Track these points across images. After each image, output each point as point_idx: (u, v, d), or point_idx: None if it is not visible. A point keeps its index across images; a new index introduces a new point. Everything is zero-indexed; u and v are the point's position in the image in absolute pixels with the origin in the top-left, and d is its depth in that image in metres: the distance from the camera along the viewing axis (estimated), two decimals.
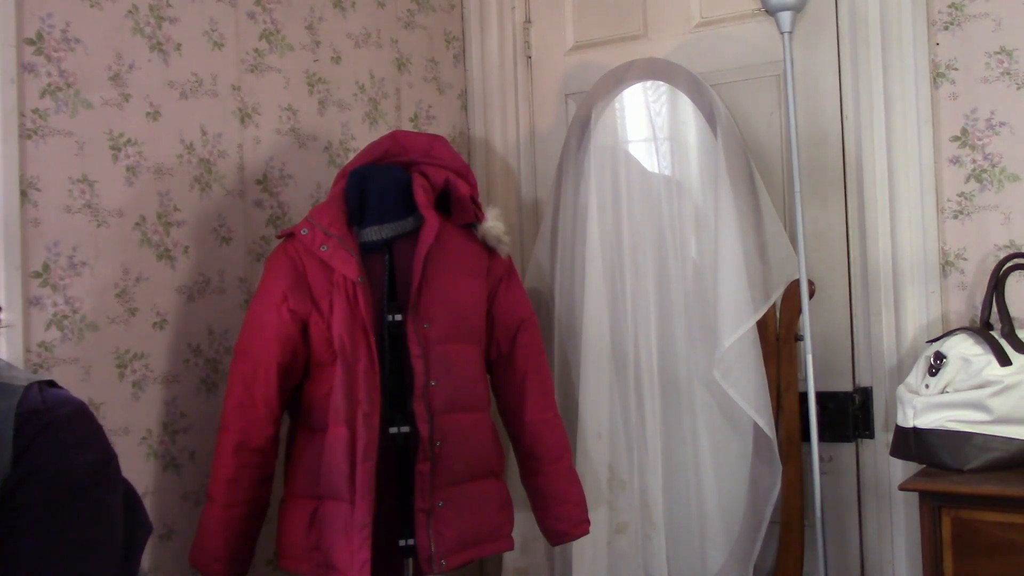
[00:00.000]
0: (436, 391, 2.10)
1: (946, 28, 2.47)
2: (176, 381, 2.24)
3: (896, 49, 2.50)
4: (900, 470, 2.42)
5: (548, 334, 2.65)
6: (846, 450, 2.60)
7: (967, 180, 2.46)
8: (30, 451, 1.04)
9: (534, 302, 2.51)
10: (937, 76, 2.49)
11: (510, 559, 2.68)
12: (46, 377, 1.13)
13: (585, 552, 2.53)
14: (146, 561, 1.97)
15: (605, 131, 2.68)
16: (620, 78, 2.70)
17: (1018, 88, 2.40)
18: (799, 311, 2.46)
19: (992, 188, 2.43)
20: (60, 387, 1.14)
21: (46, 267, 1.99)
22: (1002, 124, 2.42)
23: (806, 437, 2.46)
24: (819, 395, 2.47)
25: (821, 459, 2.45)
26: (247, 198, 2.44)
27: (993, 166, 2.43)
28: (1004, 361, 2.12)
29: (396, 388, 2.12)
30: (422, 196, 2.18)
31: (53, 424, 1.07)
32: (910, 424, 2.18)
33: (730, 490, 2.53)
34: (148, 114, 2.20)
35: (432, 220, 2.15)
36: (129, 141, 2.16)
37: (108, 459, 1.12)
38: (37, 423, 1.05)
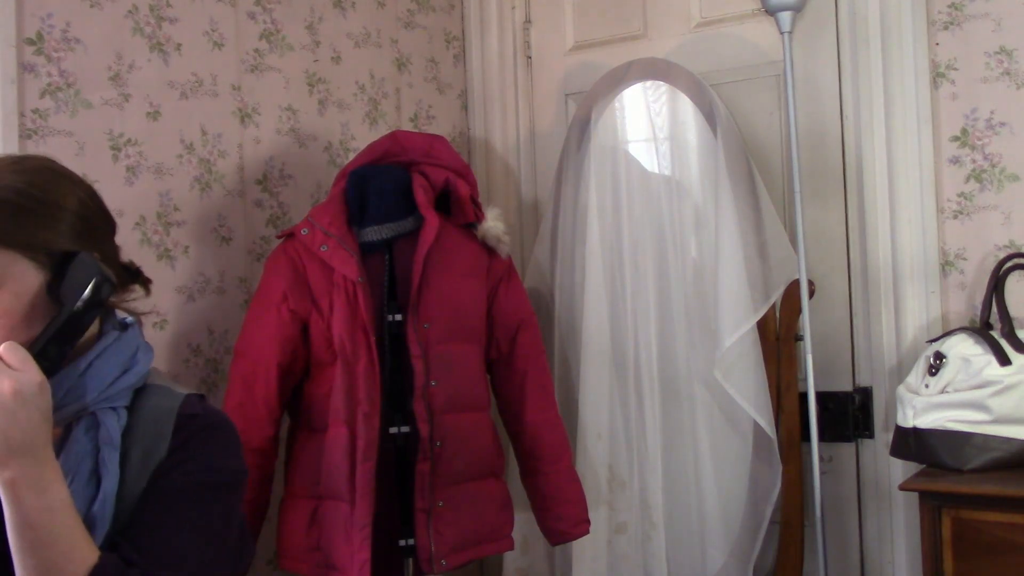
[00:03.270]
0: (436, 391, 2.10)
1: (946, 28, 2.47)
2: (176, 381, 2.23)
3: (896, 49, 2.50)
4: (900, 470, 2.42)
5: (548, 334, 2.65)
6: (846, 450, 2.60)
7: (967, 180, 2.46)
8: (186, 445, 1.19)
9: (534, 302, 2.52)
10: (937, 76, 2.49)
11: (510, 559, 2.68)
12: (198, 392, 1.29)
13: (585, 552, 2.53)
14: None
15: (605, 131, 2.68)
16: (620, 78, 2.70)
17: (1018, 88, 2.40)
18: (799, 311, 2.46)
19: (992, 188, 2.43)
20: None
21: None
22: (1002, 124, 2.42)
23: (806, 437, 2.46)
24: (819, 395, 2.47)
25: (821, 459, 2.45)
26: (247, 198, 2.44)
27: (993, 166, 2.43)
28: (1004, 361, 2.12)
29: (396, 388, 2.13)
30: (422, 196, 2.18)
31: (208, 428, 1.22)
32: (910, 424, 2.18)
33: (730, 490, 2.53)
34: (148, 114, 2.20)
35: (432, 220, 2.15)
36: (129, 141, 2.16)
37: (246, 471, 1.28)
38: (194, 424, 1.21)
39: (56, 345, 1.11)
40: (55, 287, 1.15)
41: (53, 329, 1.11)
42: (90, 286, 1.13)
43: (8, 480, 1.04)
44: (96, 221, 1.23)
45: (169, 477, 1.17)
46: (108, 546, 1.13)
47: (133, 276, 1.29)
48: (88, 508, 1.12)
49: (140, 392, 1.23)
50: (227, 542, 1.22)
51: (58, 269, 1.15)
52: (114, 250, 1.26)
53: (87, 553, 1.08)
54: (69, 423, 1.16)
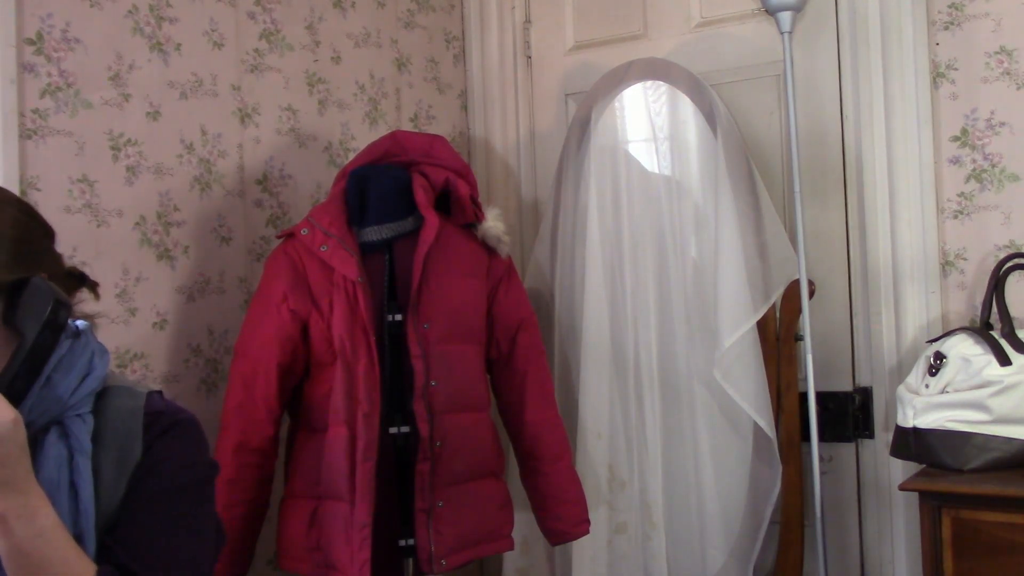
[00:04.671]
0: (436, 391, 2.10)
1: (946, 28, 2.47)
2: (176, 381, 2.24)
3: (896, 49, 2.50)
4: (900, 470, 2.42)
5: (548, 334, 2.65)
6: (846, 450, 2.60)
7: (967, 180, 2.46)
8: (158, 444, 1.21)
9: (534, 302, 2.51)
10: (937, 76, 2.49)
11: (510, 559, 2.68)
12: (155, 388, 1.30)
13: (585, 552, 2.53)
14: None
15: (605, 131, 2.68)
16: (620, 78, 2.70)
17: (1018, 88, 2.40)
18: (799, 311, 2.46)
19: (992, 188, 2.43)
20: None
21: None
22: (1002, 124, 2.42)
23: (806, 437, 2.46)
24: (819, 395, 2.47)
25: (821, 459, 2.45)
26: (247, 198, 2.44)
27: (993, 166, 2.43)
28: (1004, 361, 2.12)
29: (396, 388, 2.12)
30: (422, 196, 2.18)
31: (176, 425, 1.24)
32: (910, 424, 2.18)
33: (730, 490, 2.53)
34: (148, 114, 2.20)
35: (432, 220, 2.15)
36: (129, 141, 2.16)
37: (217, 465, 1.31)
38: (163, 422, 1.23)
39: (23, 379, 1.12)
40: (10, 316, 1.14)
41: (17, 364, 1.11)
42: (46, 315, 1.12)
43: None
44: (34, 238, 1.22)
45: (151, 479, 1.20)
46: (98, 553, 1.15)
47: (79, 281, 1.29)
48: (74, 522, 1.14)
49: (101, 395, 1.23)
50: (209, 538, 1.26)
51: (10, 298, 1.14)
52: (57, 261, 1.26)
53: (83, 570, 1.10)
54: (36, 434, 1.16)
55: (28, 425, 1.13)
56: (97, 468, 1.18)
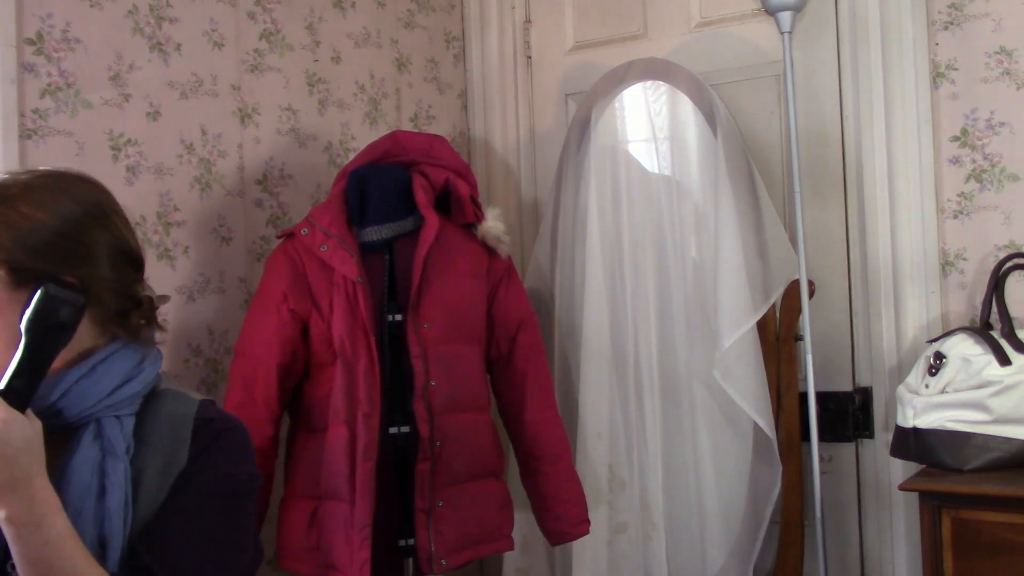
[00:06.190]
0: (436, 391, 2.10)
1: (946, 28, 2.47)
2: (178, 381, 2.23)
3: (896, 49, 2.50)
4: (900, 470, 2.42)
5: (548, 334, 2.65)
6: (846, 450, 2.60)
7: (967, 180, 2.46)
8: (205, 452, 1.20)
9: (534, 302, 2.52)
10: (937, 76, 2.49)
11: (510, 559, 2.68)
12: (208, 397, 1.29)
13: (585, 552, 2.53)
14: None
15: (605, 131, 2.68)
16: (620, 78, 2.70)
17: (1018, 88, 2.40)
18: (799, 311, 2.46)
19: (992, 188, 2.43)
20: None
21: None
22: (1002, 124, 2.42)
23: (806, 437, 2.46)
24: (819, 395, 2.47)
25: (821, 459, 2.45)
26: (247, 198, 2.44)
27: (993, 166, 2.43)
28: (1004, 361, 2.12)
29: (396, 388, 2.13)
30: (422, 196, 2.18)
31: (224, 433, 1.23)
32: (910, 424, 2.18)
33: (730, 490, 2.53)
34: (148, 114, 2.20)
35: (432, 220, 2.15)
36: (129, 141, 2.16)
37: (260, 476, 1.29)
38: (211, 429, 1.22)
39: (23, 377, 1.07)
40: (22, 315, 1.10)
41: (16, 362, 1.08)
42: (32, 313, 1.08)
43: (3, 519, 1.05)
44: (84, 240, 1.17)
45: (191, 486, 1.18)
46: (128, 556, 1.13)
47: (131, 303, 1.22)
48: (100, 526, 1.12)
49: (153, 398, 1.22)
50: (243, 552, 1.23)
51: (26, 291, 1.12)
52: (101, 274, 1.18)
53: None
54: (76, 429, 1.15)
55: (56, 414, 1.12)
56: (141, 472, 1.16)
